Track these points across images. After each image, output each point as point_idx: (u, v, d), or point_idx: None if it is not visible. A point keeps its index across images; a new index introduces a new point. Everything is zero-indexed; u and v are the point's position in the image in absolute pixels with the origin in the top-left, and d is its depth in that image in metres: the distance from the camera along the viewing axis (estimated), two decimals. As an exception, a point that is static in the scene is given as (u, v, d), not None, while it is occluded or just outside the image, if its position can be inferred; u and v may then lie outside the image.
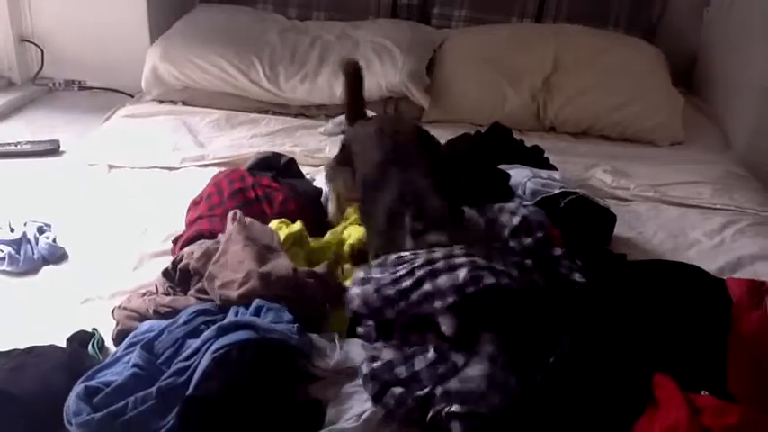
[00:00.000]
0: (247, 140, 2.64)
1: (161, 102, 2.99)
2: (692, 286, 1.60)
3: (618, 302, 1.55)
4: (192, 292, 1.62)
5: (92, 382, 1.31)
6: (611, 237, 2.09)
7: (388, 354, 1.38)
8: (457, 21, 3.34)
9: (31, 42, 3.35)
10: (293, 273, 1.57)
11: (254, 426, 1.25)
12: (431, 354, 1.35)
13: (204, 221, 1.87)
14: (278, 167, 2.18)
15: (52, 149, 2.67)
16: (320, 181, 2.19)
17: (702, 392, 1.32)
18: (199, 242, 1.74)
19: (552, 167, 2.35)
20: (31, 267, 1.88)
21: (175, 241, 1.87)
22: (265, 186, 1.99)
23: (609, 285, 1.61)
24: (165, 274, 1.69)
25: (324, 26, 3.24)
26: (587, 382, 1.33)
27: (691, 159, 2.70)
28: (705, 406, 1.27)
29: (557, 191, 2.08)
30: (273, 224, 1.84)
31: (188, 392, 1.24)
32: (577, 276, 1.65)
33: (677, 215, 2.31)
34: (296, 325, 1.39)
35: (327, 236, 1.88)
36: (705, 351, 1.44)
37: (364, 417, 1.27)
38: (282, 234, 1.78)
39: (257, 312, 1.43)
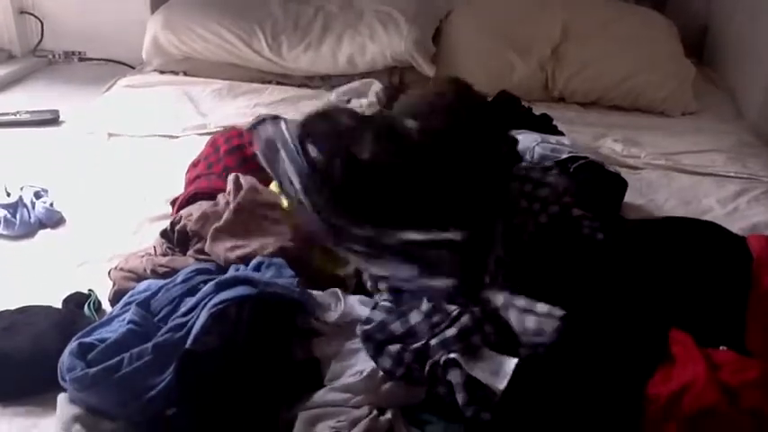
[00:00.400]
0: (250, 110, 2.59)
1: (162, 72, 2.94)
2: (712, 242, 1.55)
3: (635, 259, 1.49)
4: (190, 252, 1.58)
5: (87, 339, 1.27)
6: (622, 203, 2.04)
7: (379, 315, 1.33)
8: (464, -9, 3.27)
9: (31, 14, 3.29)
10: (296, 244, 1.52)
11: (251, 382, 1.21)
12: (425, 306, 1.30)
13: (203, 180, 1.82)
14: (279, 131, 2.12)
15: (52, 119, 2.62)
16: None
17: (721, 348, 1.27)
18: (197, 204, 1.70)
19: (561, 135, 2.29)
20: (28, 231, 1.85)
21: (173, 202, 1.82)
22: (263, 143, 1.93)
23: (626, 242, 1.56)
24: (164, 234, 1.64)
25: (327, -4, 3.17)
26: (603, 338, 1.28)
27: (703, 129, 2.63)
28: (724, 361, 1.22)
29: (565, 155, 2.03)
30: (273, 187, 1.78)
31: (185, 347, 1.20)
32: (599, 236, 1.59)
33: (690, 183, 2.25)
34: (297, 279, 1.35)
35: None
36: (725, 308, 1.39)
37: (366, 372, 1.22)
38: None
39: (257, 269, 1.39)
